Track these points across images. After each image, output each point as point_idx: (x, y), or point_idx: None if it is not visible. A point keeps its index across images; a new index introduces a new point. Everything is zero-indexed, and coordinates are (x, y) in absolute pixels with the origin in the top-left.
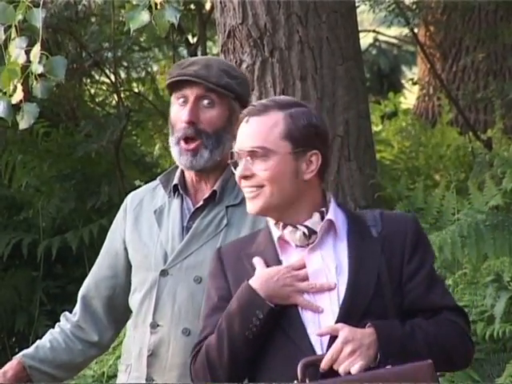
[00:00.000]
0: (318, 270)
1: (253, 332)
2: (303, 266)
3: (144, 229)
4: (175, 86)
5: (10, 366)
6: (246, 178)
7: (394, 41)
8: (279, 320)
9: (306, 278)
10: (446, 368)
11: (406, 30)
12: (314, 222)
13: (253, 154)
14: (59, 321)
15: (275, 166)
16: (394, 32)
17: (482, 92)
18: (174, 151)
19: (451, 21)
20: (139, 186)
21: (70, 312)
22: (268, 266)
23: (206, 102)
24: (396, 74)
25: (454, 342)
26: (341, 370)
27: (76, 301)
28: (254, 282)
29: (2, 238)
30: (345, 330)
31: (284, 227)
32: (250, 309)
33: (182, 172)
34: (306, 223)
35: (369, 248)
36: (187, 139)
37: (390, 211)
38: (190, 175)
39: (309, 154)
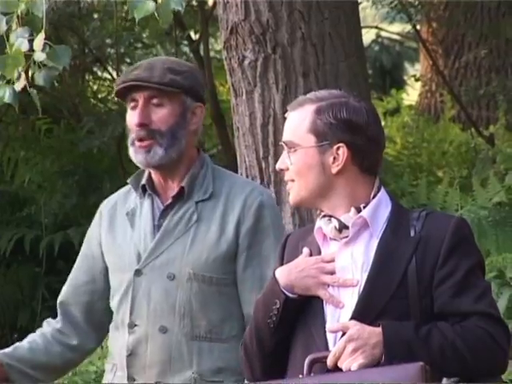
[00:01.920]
0: (346, 265)
1: (273, 320)
2: (333, 260)
3: (118, 231)
4: (125, 93)
5: None
6: (283, 170)
7: (397, 37)
8: (303, 311)
9: (332, 272)
10: (465, 373)
11: (408, 27)
12: (349, 216)
13: (287, 146)
14: None
15: (300, 160)
16: (397, 28)
17: (485, 88)
18: (131, 151)
19: (453, 17)
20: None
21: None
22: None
23: (155, 101)
24: (398, 70)
25: (474, 347)
26: (343, 367)
27: None
28: (279, 271)
29: (4, 234)
30: (353, 328)
31: (322, 218)
32: (270, 297)
33: (150, 173)
34: (341, 217)
35: (400, 247)
36: (141, 139)
37: (438, 211)
38: (156, 175)
39: (335, 147)
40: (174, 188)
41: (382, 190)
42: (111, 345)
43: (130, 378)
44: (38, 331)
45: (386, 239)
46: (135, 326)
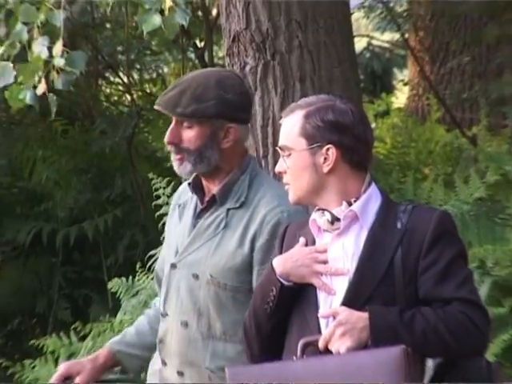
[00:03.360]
0: (337, 255)
1: (270, 306)
2: (325, 251)
3: (173, 221)
4: None
5: (101, 352)
6: (281, 173)
7: (387, 45)
8: (298, 298)
9: (325, 262)
10: (447, 355)
11: (397, 36)
12: (340, 210)
13: (282, 150)
14: (77, 303)
15: (295, 162)
16: (387, 37)
17: (468, 92)
18: (172, 158)
19: (439, 27)
20: (151, 179)
21: None
22: (307, 246)
23: (185, 124)
24: (388, 75)
25: (456, 331)
26: (333, 350)
27: (91, 285)
28: (276, 260)
29: (23, 227)
30: (342, 314)
31: (317, 211)
32: (267, 284)
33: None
34: (333, 210)
35: (387, 238)
36: (175, 153)
37: (424, 205)
38: (201, 177)
39: (325, 148)
40: (212, 191)
41: (373, 185)
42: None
43: (163, 362)
44: (147, 312)
45: (375, 231)
46: (167, 315)
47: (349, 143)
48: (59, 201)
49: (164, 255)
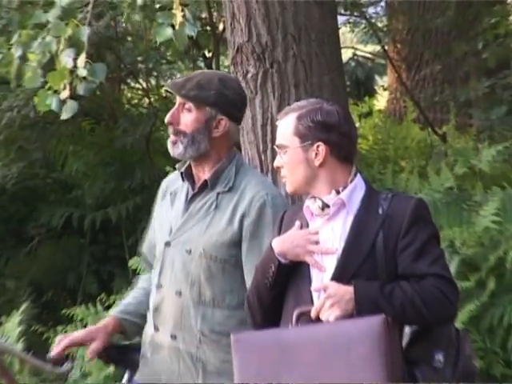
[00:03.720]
0: (327, 237)
1: (269, 281)
2: (317, 233)
3: (164, 207)
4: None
5: (108, 321)
6: (278, 168)
7: (369, 55)
8: (293, 274)
9: (317, 242)
10: (422, 324)
11: (378, 47)
12: (330, 198)
13: (279, 147)
14: (102, 278)
15: (290, 158)
16: (369, 48)
17: (439, 96)
18: (168, 142)
19: (414, 40)
20: (167, 172)
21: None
22: (301, 229)
23: (186, 106)
24: (370, 81)
25: (429, 302)
26: (323, 318)
27: (114, 262)
28: (275, 241)
29: (56, 212)
30: (331, 288)
31: (309, 198)
32: (267, 262)
33: (189, 162)
34: (324, 198)
35: (370, 222)
36: (172, 134)
37: (401, 194)
38: (193, 165)
39: (315, 145)
40: (202, 179)
41: (359, 176)
42: (150, 299)
43: (156, 328)
44: (138, 287)
45: (359, 216)
46: (161, 286)
47: (336, 140)
48: (87, 190)
49: (151, 237)
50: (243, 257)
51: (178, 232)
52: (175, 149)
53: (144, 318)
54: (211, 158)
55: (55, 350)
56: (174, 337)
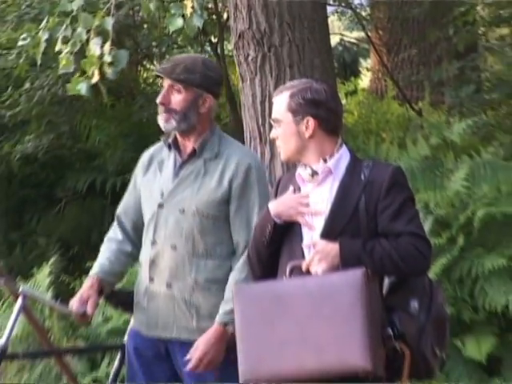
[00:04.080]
0: (316, 200)
1: (266, 239)
2: (308, 197)
3: (151, 174)
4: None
5: (91, 281)
6: (274, 139)
7: (354, 41)
8: (287, 233)
9: (307, 205)
10: (399, 275)
11: (362, 34)
12: (318, 166)
13: (274, 121)
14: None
15: (284, 131)
16: (354, 35)
17: (415, 76)
18: (158, 118)
19: (394, 27)
20: None
21: None
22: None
23: (175, 88)
24: (355, 64)
25: (405, 257)
26: (312, 271)
27: None
28: (271, 204)
29: (81, 178)
30: (320, 244)
31: (301, 166)
32: (264, 222)
33: (175, 135)
34: (313, 166)
35: (353, 187)
36: (163, 113)
37: (382, 161)
38: (179, 137)
39: (305, 119)
40: (189, 148)
41: (344, 146)
42: (141, 255)
43: (151, 279)
44: (108, 249)
45: (344, 181)
46: (155, 242)
47: (324, 115)
48: (108, 158)
49: (131, 202)
50: (232, 213)
51: (171, 195)
52: (168, 124)
53: (116, 277)
54: (197, 130)
55: (74, 307)
56: (169, 286)
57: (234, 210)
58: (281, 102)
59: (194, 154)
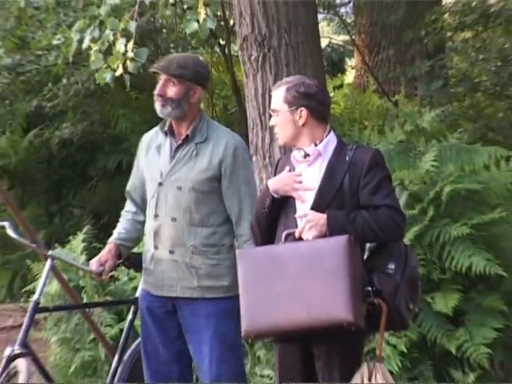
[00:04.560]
0: (308, 178)
1: (265, 211)
2: (300, 175)
3: (150, 157)
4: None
5: (110, 246)
6: (273, 126)
7: (341, 43)
8: (283, 205)
9: (300, 182)
10: (377, 241)
11: (347, 37)
12: (310, 149)
13: (273, 111)
14: None
15: (281, 119)
16: (341, 38)
17: (392, 73)
18: (155, 105)
19: (374, 31)
20: None
21: None
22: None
23: (171, 82)
24: (342, 62)
25: (382, 226)
26: (304, 238)
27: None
28: (270, 181)
29: (110, 158)
30: (310, 215)
31: (295, 149)
32: (264, 197)
33: (171, 122)
34: (306, 149)
35: (339, 167)
36: (159, 102)
37: (364, 145)
38: (174, 124)
39: (299, 110)
40: (183, 133)
41: (332, 132)
42: (146, 227)
43: (155, 247)
44: (124, 219)
45: (331, 162)
46: (158, 216)
47: (315, 106)
48: (133, 142)
49: (138, 180)
50: (224, 188)
51: (169, 174)
52: (165, 110)
53: (133, 242)
54: (189, 118)
55: (93, 267)
56: (171, 252)
57: (227, 186)
58: (278, 94)
59: (187, 139)
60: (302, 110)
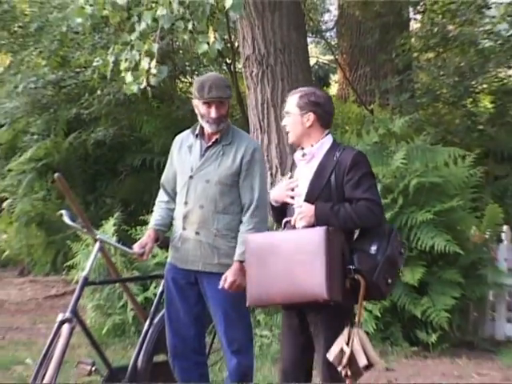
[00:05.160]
0: (305, 174)
1: (274, 214)
2: (293, 182)
3: (182, 154)
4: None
5: (150, 231)
6: (285, 126)
7: (326, 62)
8: (286, 207)
9: (292, 190)
10: (357, 228)
11: (332, 57)
12: (307, 149)
13: (287, 113)
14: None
15: (292, 120)
16: (327, 57)
17: (368, 86)
18: (206, 125)
19: (354, 52)
20: None
21: None
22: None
23: (222, 103)
24: (327, 77)
25: (361, 216)
26: (296, 226)
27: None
28: (271, 191)
29: (136, 157)
30: (302, 206)
31: (298, 150)
32: (270, 204)
33: (202, 126)
34: (305, 149)
35: (327, 165)
36: (215, 121)
37: (349, 146)
38: (205, 129)
39: (308, 114)
40: (212, 137)
41: (329, 136)
42: (176, 212)
43: (184, 228)
44: (159, 208)
45: (322, 161)
46: (187, 203)
47: (320, 113)
48: (155, 143)
49: (168, 174)
50: (241, 182)
51: (199, 169)
52: (220, 126)
53: (167, 227)
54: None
55: (136, 250)
56: (197, 233)
57: (243, 179)
58: (293, 100)
59: (216, 142)
60: (310, 115)
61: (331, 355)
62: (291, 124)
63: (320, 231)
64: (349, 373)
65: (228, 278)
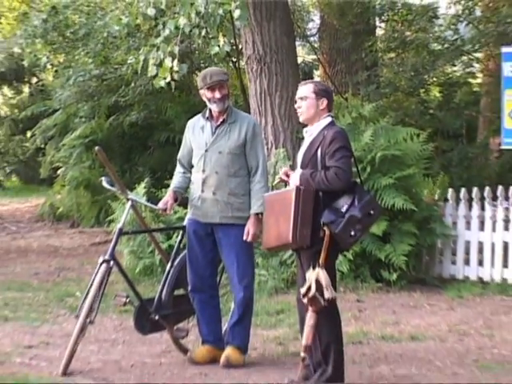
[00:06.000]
0: (303, 148)
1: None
2: (286, 172)
3: (196, 133)
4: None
5: (171, 192)
6: (299, 107)
7: (311, 60)
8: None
9: (287, 175)
10: (328, 190)
11: (315, 56)
12: (309, 128)
13: (301, 98)
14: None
15: (308, 103)
16: (311, 57)
17: (344, 80)
18: (213, 105)
19: (333, 53)
20: None
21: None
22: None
23: (223, 86)
24: (311, 73)
25: (330, 181)
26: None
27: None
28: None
29: (162, 134)
30: (293, 173)
31: (305, 128)
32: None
33: (210, 110)
34: (309, 128)
35: (317, 140)
36: (219, 100)
37: (336, 126)
38: (213, 111)
39: (321, 99)
40: (220, 118)
41: (329, 117)
42: (194, 179)
43: (202, 190)
44: (177, 176)
45: (314, 137)
46: (205, 170)
47: (330, 99)
48: (177, 124)
49: (184, 150)
50: (247, 150)
51: (212, 144)
52: (224, 104)
53: (185, 190)
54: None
55: (160, 206)
56: (214, 193)
57: (249, 148)
58: (308, 87)
59: (223, 121)
60: (323, 100)
61: (303, 290)
62: (306, 107)
63: (292, 190)
64: (310, 303)
65: (250, 231)
